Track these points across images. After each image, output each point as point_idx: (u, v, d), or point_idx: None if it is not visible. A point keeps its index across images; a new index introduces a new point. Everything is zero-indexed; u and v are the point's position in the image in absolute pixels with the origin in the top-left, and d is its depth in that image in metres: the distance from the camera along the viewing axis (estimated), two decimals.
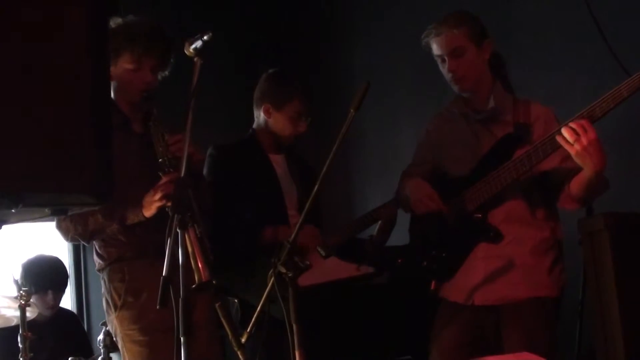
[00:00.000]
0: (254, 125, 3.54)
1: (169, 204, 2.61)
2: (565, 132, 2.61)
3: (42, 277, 4.31)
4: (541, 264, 2.93)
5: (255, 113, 3.52)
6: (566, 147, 2.61)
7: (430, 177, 3.10)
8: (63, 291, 4.47)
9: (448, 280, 3.03)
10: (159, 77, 3.04)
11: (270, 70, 3.55)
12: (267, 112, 3.46)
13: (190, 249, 2.37)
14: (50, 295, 4.32)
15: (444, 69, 3.00)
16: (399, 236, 3.41)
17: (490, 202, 2.91)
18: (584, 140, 2.56)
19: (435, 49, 2.99)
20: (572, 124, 2.60)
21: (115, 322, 2.98)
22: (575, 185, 2.79)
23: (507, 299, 2.90)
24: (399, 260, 3.77)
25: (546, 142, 2.74)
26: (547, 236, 2.95)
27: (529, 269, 2.91)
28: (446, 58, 2.96)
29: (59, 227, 2.99)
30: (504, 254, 2.91)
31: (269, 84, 3.48)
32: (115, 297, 2.96)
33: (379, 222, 3.60)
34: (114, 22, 2.94)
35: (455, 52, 2.94)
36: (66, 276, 4.59)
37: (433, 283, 3.09)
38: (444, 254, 3.04)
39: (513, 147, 2.90)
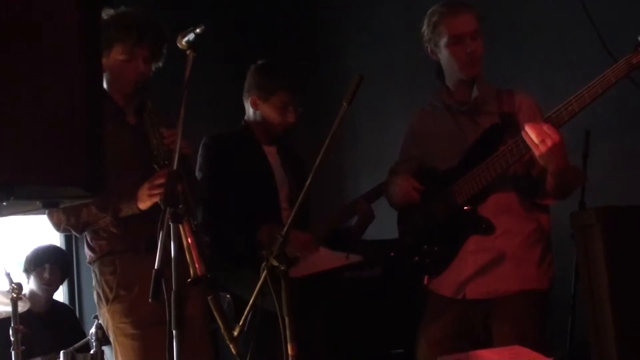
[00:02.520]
0: (245, 117, 3.54)
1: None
2: (531, 131, 2.63)
3: (39, 252, 4.46)
4: (531, 256, 2.93)
5: (245, 105, 3.53)
6: (531, 146, 2.64)
7: (417, 172, 3.10)
8: (62, 270, 4.53)
9: (440, 274, 3.03)
10: (153, 68, 3.04)
11: (258, 62, 3.54)
12: (254, 104, 3.46)
13: (185, 243, 2.37)
14: (47, 270, 4.38)
15: (456, 51, 2.94)
16: (391, 230, 3.41)
17: (480, 195, 2.89)
18: (549, 142, 2.60)
19: (452, 29, 2.92)
20: (537, 126, 2.62)
21: (106, 315, 2.97)
22: (549, 181, 2.80)
23: (498, 292, 2.89)
24: (391, 254, 3.78)
25: None
26: (536, 228, 2.95)
27: (519, 262, 2.91)
28: (467, 38, 2.92)
29: (50, 217, 2.98)
30: (493, 246, 2.91)
31: (255, 76, 3.48)
32: (107, 290, 2.96)
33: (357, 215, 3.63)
34: (106, 13, 2.94)
35: (475, 33, 2.92)
36: (66, 257, 4.70)
37: (426, 278, 3.09)
38: (435, 248, 3.03)
39: (500, 137, 2.89)
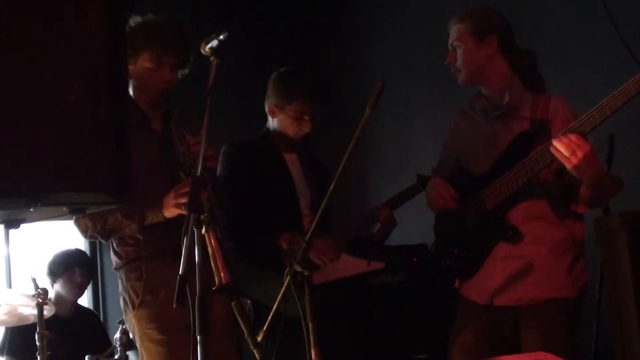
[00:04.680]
0: (267, 124, 3.55)
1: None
2: (559, 145, 2.60)
3: (69, 255, 4.53)
4: (561, 264, 2.90)
5: (266, 112, 3.54)
6: (562, 159, 2.61)
7: (453, 174, 3.10)
8: (89, 274, 4.62)
9: (469, 279, 3.02)
10: (179, 75, 3.05)
11: (280, 70, 3.55)
12: (271, 112, 3.47)
13: (210, 251, 2.37)
14: (77, 273, 4.46)
15: None
16: (414, 235, 3.40)
17: (509, 201, 2.88)
18: (580, 154, 2.57)
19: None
20: (564, 138, 2.59)
21: (133, 320, 2.99)
22: (583, 190, 2.78)
23: (527, 300, 2.88)
24: (414, 260, 3.78)
25: None
26: (566, 235, 2.93)
27: (549, 270, 2.89)
28: (451, 49, 3.04)
29: (77, 224, 3.00)
30: (523, 254, 2.89)
31: (275, 83, 3.49)
32: (133, 296, 2.97)
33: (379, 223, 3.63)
34: (134, 20, 2.95)
35: (453, 45, 3.03)
36: (91, 261, 4.80)
37: (457, 281, 3.09)
38: (464, 253, 3.03)
39: (530, 143, 2.88)
